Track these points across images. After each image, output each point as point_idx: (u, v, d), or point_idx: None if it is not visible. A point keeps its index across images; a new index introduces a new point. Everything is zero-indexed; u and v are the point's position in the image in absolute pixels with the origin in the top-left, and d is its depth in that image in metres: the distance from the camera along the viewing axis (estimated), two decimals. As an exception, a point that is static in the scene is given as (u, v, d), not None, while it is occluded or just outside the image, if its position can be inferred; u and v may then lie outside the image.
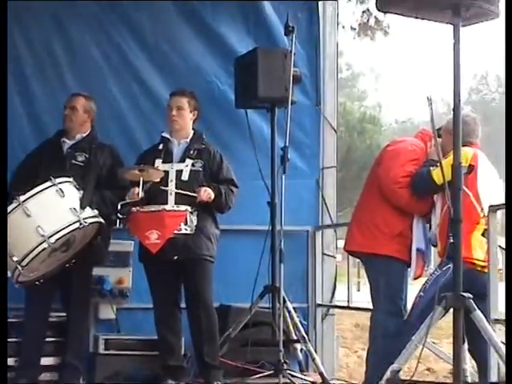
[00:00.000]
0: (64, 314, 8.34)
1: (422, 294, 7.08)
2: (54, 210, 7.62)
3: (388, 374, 5.71)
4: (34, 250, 7.42)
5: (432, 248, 7.46)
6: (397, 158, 7.36)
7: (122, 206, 8.05)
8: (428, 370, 8.92)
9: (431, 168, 6.98)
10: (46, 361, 8.25)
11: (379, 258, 7.32)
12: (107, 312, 8.94)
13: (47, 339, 8.32)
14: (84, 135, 8.41)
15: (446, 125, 7.10)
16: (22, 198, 7.47)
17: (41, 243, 7.41)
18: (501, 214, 6.76)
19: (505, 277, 5.35)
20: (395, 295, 7.34)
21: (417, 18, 5.98)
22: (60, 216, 7.58)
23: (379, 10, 7.03)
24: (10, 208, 7.47)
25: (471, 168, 6.94)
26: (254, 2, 9.85)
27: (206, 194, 7.92)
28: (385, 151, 7.67)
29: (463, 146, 6.36)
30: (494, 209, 6.61)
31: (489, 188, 7.13)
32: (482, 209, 6.90)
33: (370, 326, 7.44)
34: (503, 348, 5.72)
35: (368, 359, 7.46)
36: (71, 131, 8.39)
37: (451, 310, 5.78)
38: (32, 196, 7.52)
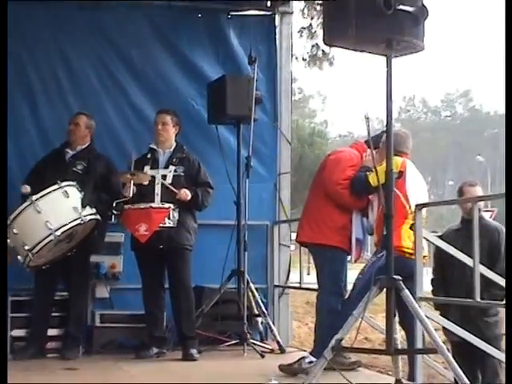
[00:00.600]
0: (66, 294, 8.35)
1: (360, 276, 7.11)
2: (59, 208, 7.66)
3: (333, 342, 5.65)
4: (42, 240, 7.50)
5: (368, 237, 7.46)
6: (338, 164, 7.32)
7: (116, 204, 8.10)
8: (366, 339, 9.02)
9: (367, 173, 6.98)
10: (51, 332, 8.28)
11: (325, 248, 7.29)
12: (102, 292, 8.93)
13: (52, 314, 8.33)
14: (83, 147, 8.42)
15: (383, 138, 7.16)
16: (34, 197, 7.57)
17: (48, 235, 7.50)
18: (425, 211, 6.79)
19: (505, 277, 5.26)
20: (338, 278, 7.29)
21: (356, 50, 5.98)
22: (65, 213, 7.66)
23: (326, 44, 7.08)
24: (23, 206, 7.57)
25: (401, 174, 6.96)
26: (222, 36, 9.83)
27: (184, 194, 8.00)
28: (328, 159, 7.61)
29: (395, 155, 6.45)
30: (419, 207, 6.60)
31: (415, 190, 7.14)
32: (410, 207, 6.89)
33: (317, 304, 7.42)
34: (427, 320, 5.78)
35: (316, 331, 7.42)
36: (73, 143, 8.40)
37: (385, 289, 5.78)
38: (42, 196, 7.59)
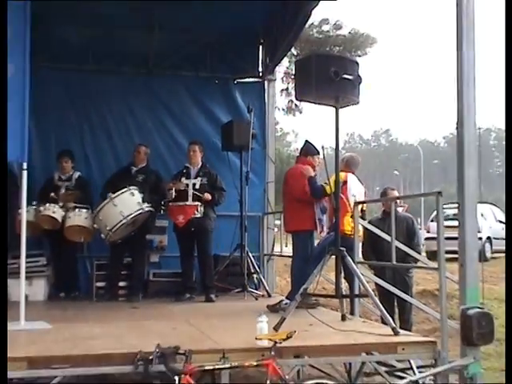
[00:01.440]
0: (130, 259, 8.29)
1: (316, 246, 7.17)
2: (128, 203, 7.63)
3: (301, 290, 5.62)
4: (118, 223, 7.51)
5: (325, 217, 7.22)
6: (295, 177, 7.21)
7: (164, 202, 8.19)
8: (323, 288, 9.01)
9: (324, 184, 6.86)
10: (121, 284, 8.24)
11: (299, 232, 7.19)
12: (154, 258, 8.91)
13: (122, 272, 8.26)
14: (143, 165, 8.39)
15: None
16: (112, 195, 7.57)
17: (122, 220, 7.52)
18: (360, 206, 6.82)
19: (505, 276, 5.02)
20: (306, 249, 7.17)
21: (316, 103, 5.92)
22: (132, 206, 7.64)
23: (297, 99, 6.99)
24: (105, 202, 7.57)
25: (344, 183, 6.95)
26: (230, 95, 9.76)
27: (207, 196, 7.99)
28: (288, 173, 7.49)
29: (341, 171, 6.51)
30: (357, 204, 6.68)
31: (355, 192, 7.10)
32: (350, 204, 6.85)
33: (292, 266, 7.35)
34: (361, 276, 5.77)
35: (291, 283, 7.43)
36: (137, 163, 8.37)
37: (334, 256, 5.77)
38: (117, 195, 7.59)
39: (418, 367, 5.43)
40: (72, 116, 9.15)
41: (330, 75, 5.48)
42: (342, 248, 5.75)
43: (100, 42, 9.03)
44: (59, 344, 4.77)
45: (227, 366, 4.32)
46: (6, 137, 5.45)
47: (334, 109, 5.80)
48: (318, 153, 7.34)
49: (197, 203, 7.93)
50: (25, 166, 5.85)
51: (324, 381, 4.59)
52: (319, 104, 5.94)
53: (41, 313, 6.56)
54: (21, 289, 5.83)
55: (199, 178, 8.17)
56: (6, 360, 3.96)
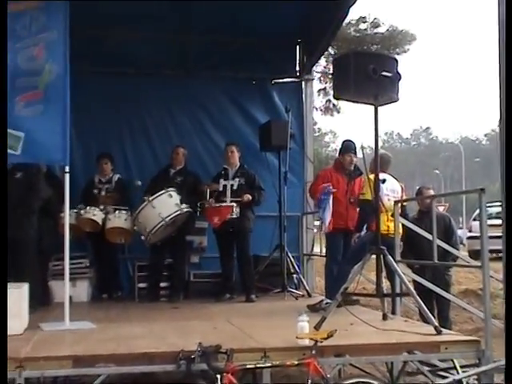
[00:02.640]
0: (171, 260, 8.34)
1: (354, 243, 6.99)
2: (167, 204, 7.68)
3: (342, 289, 5.57)
4: (157, 225, 7.57)
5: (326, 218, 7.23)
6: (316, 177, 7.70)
7: (200, 204, 8.16)
8: (364, 288, 8.98)
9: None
10: (162, 284, 8.32)
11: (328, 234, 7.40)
12: (194, 259, 8.98)
13: (163, 273, 8.34)
14: (181, 167, 8.43)
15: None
16: (150, 198, 7.64)
17: (160, 221, 7.57)
18: (399, 205, 6.70)
19: (505, 276, 4.81)
20: (334, 249, 7.34)
21: (354, 102, 5.89)
22: (170, 207, 7.69)
23: (335, 98, 6.91)
24: (143, 204, 7.64)
25: (384, 181, 6.71)
26: (268, 95, 9.81)
27: (246, 197, 8.01)
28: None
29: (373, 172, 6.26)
30: (396, 203, 6.61)
31: (388, 192, 6.86)
32: (384, 204, 6.50)
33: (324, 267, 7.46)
34: (402, 275, 5.76)
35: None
36: (175, 165, 8.42)
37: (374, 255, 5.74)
38: (155, 197, 7.65)
39: (460, 367, 5.38)
40: (112, 119, 9.25)
41: (369, 73, 5.44)
42: (382, 247, 5.71)
43: (139, 45, 9.15)
44: (103, 343, 4.86)
45: (268, 364, 4.36)
46: (6, 137, 5.44)
47: (372, 107, 5.76)
48: (349, 151, 7.36)
49: (232, 204, 7.92)
50: (67, 169, 5.95)
51: (366, 380, 4.58)
52: (358, 102, 5.90)
53: (84, 313, 6.66)
54: (65, 290, 5.95)
55: (237, 179, 8.20)
56: (6, 360, 3.97)
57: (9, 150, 5.24)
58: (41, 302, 6.96)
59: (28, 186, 6.86)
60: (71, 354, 4.46)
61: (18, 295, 5.47)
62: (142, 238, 7.83)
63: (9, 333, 4.97)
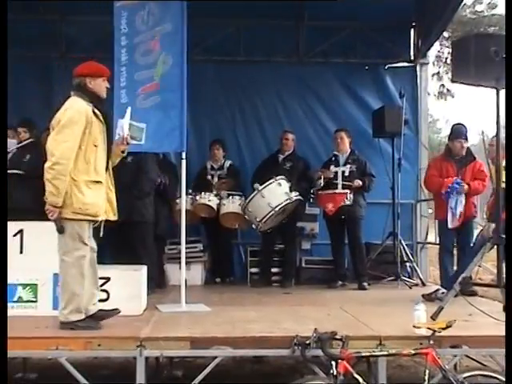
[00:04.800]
0: (282, 246, 8.38)
1: (478, 237, 6.69)
2: (276, 193, 7.59)
3: (460, 278, 5.35)
4: (267, 214, 7.52)
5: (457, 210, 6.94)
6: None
7: (313, 191, 8.18)
8: (480, 279, 8.68)
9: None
10: (274, 270, 8.34)
11: (438, 220, 7.30)
12: (306, 245, 8.97)
13: (274, 259, 8.36)
14: (289, 152, 8.37)
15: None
16: (260, 187, 7.58)
17: (271, 211, 7.50)
18: None
19: (505, 276, 4.92)
20: (443, 238, 7.19)
21: (473, 85, 5.68)
22: (280, 196, 7.59)
23: (452, 82, 6.59)
24: (253, 194, 7.59)
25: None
26: (381, 80, 9.63)
27: (357, 183, 7.90)
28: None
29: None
30: None
31: None
32: None
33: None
34: None
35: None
36: (284, 150, 8.37)
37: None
38: (265, 187, 7.57)
39: None
40: (225, 106, 9.43)
41: (491, 55, 5.20)
42: (503, 235, 5.41)
43: (251, 33, 9.24)
44: (219, 326, 4.96)
45: (384, 353, 4.29)
46: (5, 137, 5.50)
47: (491, 92, 5.51)
48: (459, 136, 7.11)
49: (346, 191, 7.86)
50: (183, 155, 6.09)
51: (486, 372, 4.43)
52: (478, 86, 5.67)
53: (199, 296, 6.82)
54: (181, 273, 6.13)
55: (348, 166, 8.11)
56: (6, 360, 3.95)
57: (133, 141, 5.41)
58: (157, 284, 7.20)
59: (137, 168, 7.03)
60: (189, 335, 4.58)
61: (138, 277, 5.67)
62: (253, 226, 7.88)
63: (128, 313, 5.25)
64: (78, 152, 4.75)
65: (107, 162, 5.02)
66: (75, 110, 4.81)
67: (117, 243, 6.78)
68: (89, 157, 4.81)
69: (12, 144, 7.12)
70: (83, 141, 4.78)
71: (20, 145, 7.17)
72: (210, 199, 8.04)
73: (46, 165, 4.70)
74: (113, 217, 5.08)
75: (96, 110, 4.90)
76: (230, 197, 8.10)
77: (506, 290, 4.69)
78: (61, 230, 4.74)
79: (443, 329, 4.28)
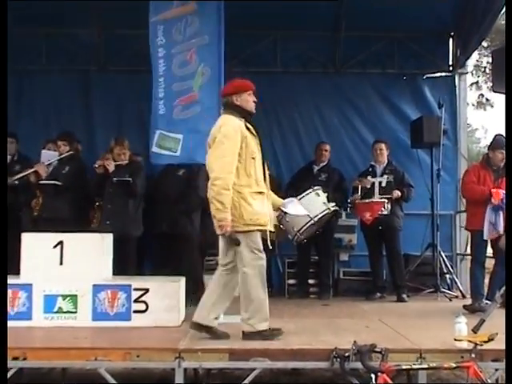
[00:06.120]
0: (317, 257, 8.32)
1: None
2: (315, 203, 7.54)
3: (501, 291, 5.02)
4: (305, 225, 7.54)
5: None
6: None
7: (349, 201, 8.18)
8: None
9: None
10: (311, 281, 8.31)
11: (472, 231, 7.11)
12: (344, 256, 8.90)
13: (310, 270, 8.31)
14: (324, 163, 8.36)
15: None
16: (299, 197, 7.52)
17: (309, 221, 7.44)
18: None
19: (505, 276, 4.74)
20: (476, 249, 6.99)
21: None
22: (318, 206, 7.48)
23: (494, 91, 6.49)
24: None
25: None
26: (419, 90, 9.56)
27: (396, 194, 7.89)
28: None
29: None
30: None
31: None
32: None
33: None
34: None
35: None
36: (318, 162, 8.36)
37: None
38: (302, 197, 7.60)
39: None
40: (262, 116, 9.33)
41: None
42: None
43: (287, 44, 9.28)
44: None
45: (425, 366, 4.23)
46: (6, 137, 5.44)
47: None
48: (501, 147, 6.94)
49: (384, 200, 7.83)
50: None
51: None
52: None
53: (236, 308, 6.78)
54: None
55: (385, 176, 8.09)
56: (6, 359, 3.96)
57: (168, 152, 5.42)
58: (196, 296, 7.18)
59: (188, 183, 7.06)
60: (227, 347, 4.56)
61: (176, 288, 5.68)
62: (290, 236, 7.82)
63: (167, 324, 5.26)
64: (238, 166, 4.82)
65: (264, 174, 5.09)
66: (229, 126, 4.85)
67: (161, 256, 6.81)
68: (249, 170, 4.89)
69: (53, 156, 7.22)
70: (241, 155, 4.83)
71: (60, 157, 7.26)
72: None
73: (209, 183, 4.77)
74: (272, 229, 5.18)
75: (248, 125, 4.97)
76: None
77: (506, 293, 4.59)
78: (238, 243, 4.83)
79: (485, 342, 4.20)
